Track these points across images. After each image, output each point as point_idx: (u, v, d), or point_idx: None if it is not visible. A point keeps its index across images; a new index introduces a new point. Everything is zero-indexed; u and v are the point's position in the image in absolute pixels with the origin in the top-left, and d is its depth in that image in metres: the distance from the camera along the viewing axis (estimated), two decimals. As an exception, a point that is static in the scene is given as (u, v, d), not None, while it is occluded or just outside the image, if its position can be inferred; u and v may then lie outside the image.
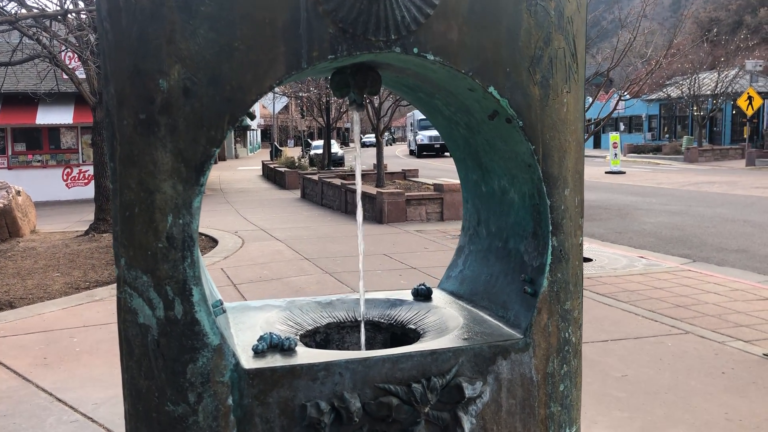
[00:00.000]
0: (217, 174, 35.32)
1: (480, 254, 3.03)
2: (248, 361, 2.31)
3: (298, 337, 2.65)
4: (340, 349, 2.97)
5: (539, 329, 2.56)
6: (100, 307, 8.71)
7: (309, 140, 47.97)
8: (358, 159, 2.76)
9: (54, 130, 25.20)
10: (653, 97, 50.27)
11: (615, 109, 11.80)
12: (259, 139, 75.95)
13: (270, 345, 2.43)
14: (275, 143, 44.90)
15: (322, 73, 2.63)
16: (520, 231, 2.75)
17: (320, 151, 33.50)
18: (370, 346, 2.99)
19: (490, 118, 2.54)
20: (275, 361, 2.33)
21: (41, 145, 25.30)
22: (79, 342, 7.16)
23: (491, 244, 2.95)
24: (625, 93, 17.24)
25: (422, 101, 2.96)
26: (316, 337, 2.92)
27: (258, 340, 2.44)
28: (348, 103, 2.66)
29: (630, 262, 11.19)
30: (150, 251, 2.24)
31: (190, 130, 2.19)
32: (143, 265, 2.26)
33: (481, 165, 2.93)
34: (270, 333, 2.45)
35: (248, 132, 62.43)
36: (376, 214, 16.81)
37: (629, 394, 5.51)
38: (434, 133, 45.93)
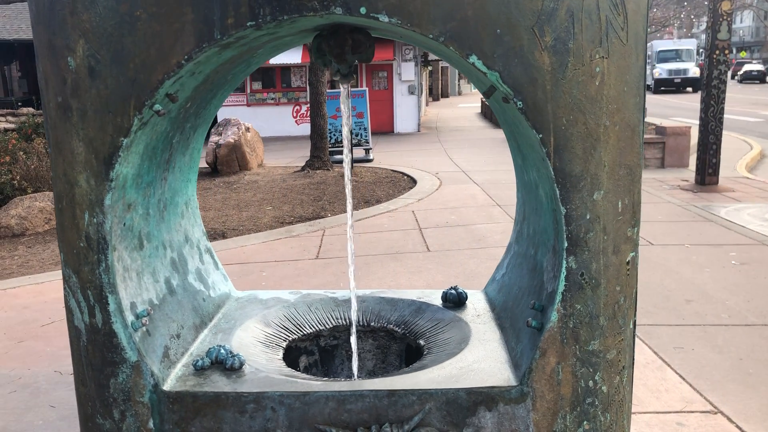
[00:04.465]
0: (437, 111, 35.17)
1: (518, 259, 2.40)
2: (174, 382, 2.02)
3: (261, 354, 2.29)
4: (350, 360, 2.57)
5: (543, 375, 1.93)
6: (294, 243, 9.04)
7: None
8: (348, 143, 2.26)
9: (285, 69, 26.62)
10: None
11: None
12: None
13: (215, 361, 2.11)
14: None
15: (277, 42, 2.14)
16: (546, 240, 2.09)
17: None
18: (383, 356, 2.54)
19: (485, 96, 1.89)
20: (203, 384, 2.00)
21: (274, 83, 26.92)
22: (267, 277, 7.42)
23: (527, 250, 2.31)
24: None
25: (450, 63, 2.35)
26: (319, 342, 2.54)
27: (205, 354, 2.13)
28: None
29: None
30: (75, 250, 2.01)
31: (98, 117, 1.88)
32: (72, 264, 2.04)
33: (519, 147, 2.28)
34: (219, 346, 2.12)
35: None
36: (585, 159, 15.54)
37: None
38: (675, 66, 40.90)
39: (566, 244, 1.88)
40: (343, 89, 2.19)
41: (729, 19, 10.47)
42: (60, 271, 7.32)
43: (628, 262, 1.98)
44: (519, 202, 2.52)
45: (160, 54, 1.80)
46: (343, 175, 14.33)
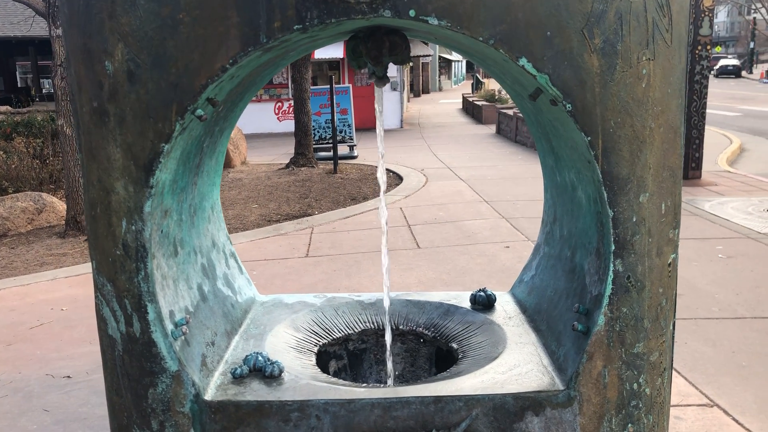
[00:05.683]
0: (418, 108, 35.14)
1: (551, 261, 2.39)
2: (214, 391, 1.98)
3: (295, 361, 2.26)
4: (378, 364, 2.55)
5: (589, 379, 1.93)
6: (282, 241, 8.96)
7: (516, 70, 45.66)
8: (381, 152, 2.23)
9: (265, 65, 26.51)
10: None
11: None
12: (464, 70, 73.60)
13: (253, 368, 2.07)
14: (477, 74, 43.49)
15: (312, 44, 2.11)
16: (586, 242, 2.08)
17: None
18: (412, 360, 2.53)
19: (531, 98, 1.88)
20: (244, 392, 1.97)
21: (255, 79, 26.77)
22: (257, 276, 7.34)
23: (561, 252, 2.30)
24: None
25: (482, 65, 2.34)
26: (348, 346, 2.52)
27: (243, 362, 2.10)
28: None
29: None
30: (110, 258, 1.96)
31: (137, 122, 1.83)
32: (106, 273, 1.99)
33: (553, 149, 2.27)
34: (256, 353, 2.09)
35: (453, 63, 60.97)
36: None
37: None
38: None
39: (613, 247, 1.88)
40: (377, 90, 2.16)
41: (711, 14, 10.59)
42: (46, 272, 7.21)
43: (669, 264, 1.98)
44: (548, 203, 2.51)
45: (204, 58, 1.76)
46: (328, 173, 14.25)
